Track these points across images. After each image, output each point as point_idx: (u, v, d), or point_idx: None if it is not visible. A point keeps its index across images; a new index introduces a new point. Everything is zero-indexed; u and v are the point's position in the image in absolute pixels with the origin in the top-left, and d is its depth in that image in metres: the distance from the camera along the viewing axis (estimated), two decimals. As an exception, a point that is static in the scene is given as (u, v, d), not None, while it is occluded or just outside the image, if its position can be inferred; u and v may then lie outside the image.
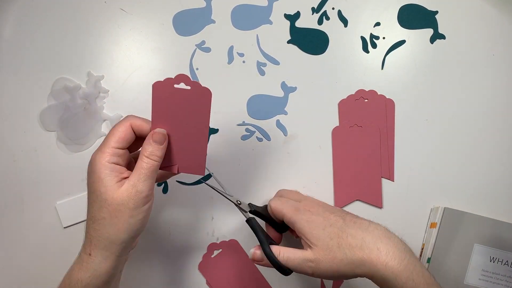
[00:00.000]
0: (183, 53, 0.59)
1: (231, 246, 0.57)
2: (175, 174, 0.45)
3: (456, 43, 0.59)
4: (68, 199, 0.57)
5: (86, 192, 0.57)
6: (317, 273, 0.44)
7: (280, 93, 0.59)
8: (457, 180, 0.58)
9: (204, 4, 0.59)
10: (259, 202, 0.57)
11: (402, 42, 0.59)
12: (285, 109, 0.59)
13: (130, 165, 0.45)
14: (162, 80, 0.40)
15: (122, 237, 0.40)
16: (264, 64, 0.59)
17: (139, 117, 0.43)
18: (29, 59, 0.58)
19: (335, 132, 0.58)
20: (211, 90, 0.40)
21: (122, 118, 0.43)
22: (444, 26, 0.59)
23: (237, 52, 0.59)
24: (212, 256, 0.57)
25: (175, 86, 0.40)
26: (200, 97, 0.40)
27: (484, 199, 0.58)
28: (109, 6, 0.59)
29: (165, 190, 0.58)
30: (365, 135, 0.58)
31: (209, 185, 0.48)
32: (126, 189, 0.40)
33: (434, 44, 0.59)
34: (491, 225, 0.55)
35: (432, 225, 0.56)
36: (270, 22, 0.59)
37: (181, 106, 0.41)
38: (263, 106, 0.59)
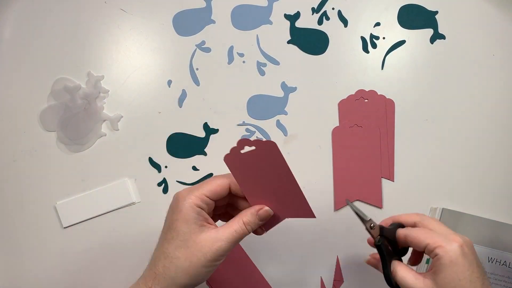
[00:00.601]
0: (183, 53, 0.59)
1: (233, 249, 0.57)
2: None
3: (456, 43, 0.59)
4: (68, 199, 0.57)
5: (86, 192, 0.58)
6: None
7: (280, 93, 0.59)
8: (456, 181, 0.58)
9: (204, 4, 0.59)
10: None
11: (402, 42, 0.59)
12: (285, 109, 0.59)
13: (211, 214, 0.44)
14: (229, 152, 0.40)
15: (186, 282, 0.40)
16: (264, 64, 0.59)
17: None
18: (29, 59, 0.58)
19: (335, 132, 0.58)
20: (275, 142, 0.39)
21: (224, 174, 0.43)
22: (444, 26, 0.59)
23: (237, 52, 0.59)
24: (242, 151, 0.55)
25: (242, 152, 0.40)
26: (269, 151, 0.40)
27: (482, 200, 0.57)
28: (109, 6, 0.59)
29: (165, 190, 0.58)
30: (365, 135, 0.58)
31: (351, 207, 0.46)
32: (211, 239, 0.39)
33: (434, 44, 0.59)
34: (489, 226, 0.55)
35: (432, 225, 0.56)
36: (270, 22, 0.59)
37: (259, 166, 0.41)
38: (263, 106, 0.59)
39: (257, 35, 0.59)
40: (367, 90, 0.59)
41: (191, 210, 0.39)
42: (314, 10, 0.60)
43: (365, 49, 0.59)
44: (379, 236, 0.45)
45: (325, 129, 0.59)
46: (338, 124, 0.59)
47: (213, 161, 0.58)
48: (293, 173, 0.40)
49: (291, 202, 0.42)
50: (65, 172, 0.57)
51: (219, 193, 0.41)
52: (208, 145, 0.59)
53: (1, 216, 0.57)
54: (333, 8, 0.60)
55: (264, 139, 0.38)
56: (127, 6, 0.59)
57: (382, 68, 0.59)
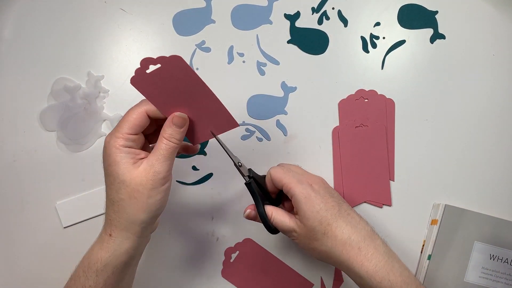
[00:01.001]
0: (183, 53, 0.59)
1: (246, 245, 0.58)
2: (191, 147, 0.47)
3: (456, 43, 0.59)
4: (68, 199, 0.57)
5: (86, 192, 0.58)
6: (296, 242, 0.48)
7: (280, 93, 0.59)
8: (458, 178, 0.58)
9: (204, 4, 0.59)
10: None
11: (402, 42, 0.59)
12: (285, 109, 0.59)
13: (145, 146, 0.45)
14: (133, 74, 0.39)
15: (142, 218, 0.41)
16: (264, 64, 0.59)
17: None
18: (29, 59, 0.58)
19: (335, 132, 0.58)
20: (180, 56, 0.38)
21: (137, 103, 0.43)
22: (444, 26, 0.59)
23: (237, 52, 0.59)
24: (231, 260, 0.57)
25: (147, 71, 0.39)
26: (176, 66, 0.39)
27: (485, 197, 0.58)
28: (109, 6, 0.59)
29: (165, 190, 0.58)
30: (370, 135, 0.58)
31: (217, 139, 0.46)
32: (144, 169, 0.40)
33: (434, 44, 0.59)
34: (491, 223, 0.55)
35: (433, 222, 0.56)
36: (270, 22, 0.59)
37: (169, 83, 0.40)
38: (263, 106, 0.59)
39: (257, 35, 0.59)
40: (367, 90, 0.59)
41: (118, 152, 0.40)
42: (314, 10, 0.60)
43: (365, 49, 0.59)
44: (247, 176, 0.49)
45: (325, 129, 0.59)
46: (338, 124, 0.59)
47: (213, 161, 0.58)
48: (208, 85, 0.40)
49: (212, 114, 0.43)
50: (65, 172, 0.57)
51: (139, 125, 0.41)
52: (208, 145, 0.59)
53: (1, 216, 0.57)
54: (333, 8, 0.60)
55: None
56: (127, 6, 0.59)
57: (382, 68, 0.59)
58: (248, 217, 0.50)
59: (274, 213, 0.48)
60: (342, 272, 0.58)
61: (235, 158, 0.48)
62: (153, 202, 0.41)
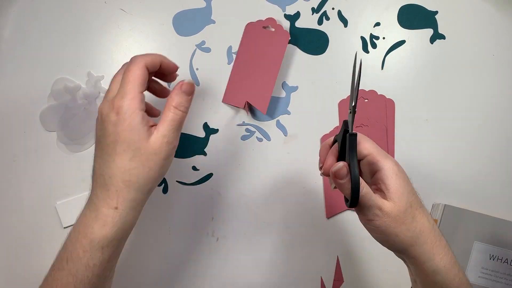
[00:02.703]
0: (183, 53, 0.59)
1: None
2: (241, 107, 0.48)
3: (456, 43, 0.59)
4: (68, 199, 0.57)
5: (86, 192, 0.57)
6: (376, 224, 0.39)
7: (280, 93, 0.59)
8: (458, 178, 0.58)
9: (204, 4, 0.59)
10: (259, 201, 0.57)
11: (402, 42, 0.59)
12: (287, 108, 0.59)
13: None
14: (255, 21, 0.45)
15: (151, 187, 0.40)
16: (264, 64, 0.59)
17: (147, 55, 0.41)
18: (29, 59, 0.58)
19: (335, 132, 0.58)
20: (289, 34, 0.43)
21: (132, 59, 0.40)
22: (444, 26, 0.59)
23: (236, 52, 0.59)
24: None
25: (263, 27, 0.46)
26: (279, 39, 0.45)
27: (484, 197, 0.58)
28: (109, 6, 0.59)
29: (165, 190, 0.58)
30: (367, 135, 0.58)
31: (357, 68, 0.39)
32: (158, 139, 0.39)
33: (434, 44, 0.59)
34: (491, 223, 0.55)
35: (433, 223, 0.56)
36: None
37: (263, 45, 0.45)
38: (268, 107, 0.59)
39: (257, 35, 0.59)
40: (367, 90, 0.59)
41: (136, 116, 0.38)
42: (314, 10, 0.60)
43: (365, 49, 0.59)
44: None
45: (325, 129, 0.59)
46: (338, 124, 0.59)
47: (213, 161, 0.58)
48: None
49: (260, 89, 0.47)
50: (65, 172, 0.57)
51: (145, 81, 0.39)
52: (208, 145, 0.59)
53: (1, 216, 0.57)
54: (333, 8, 0.60)
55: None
56: (127, 6, 0.59)
57: (382, 68, 0.59)
58: (337, 175, 0.38)
59: (364, 184, 0.39)
60: (342, 272, 0.58)
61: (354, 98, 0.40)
62: (164, 171, 0.40)
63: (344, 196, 0.40)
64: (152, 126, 0.40)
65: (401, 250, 0.40)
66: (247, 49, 0.49)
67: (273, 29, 0.48)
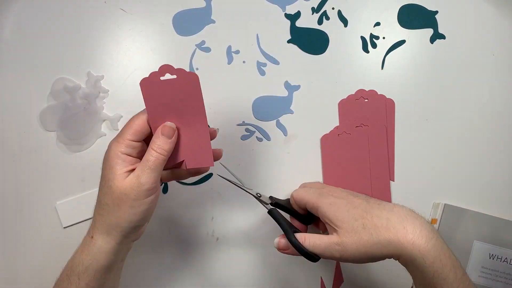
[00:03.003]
0: (183, 53, 0.59)
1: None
2: (185, 170, 0.45)
3: (456, 43, 0.59)
4: (68, 199, 0.57)
5: (86, 192, 0.58)
6: (345, 257, 0.42)
7: (281, 93, 0.59)
8: (458, 178, 0.58)
9: (204, 4, 0.59)
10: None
11: (402, 42, 0.59)
12: (290, 108, 0.59)
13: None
14: (148, 75, 0.40)
15: (122, 226, 0.41)
16: (264, 64, 0.59)
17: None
18: (29, 59, 0.58)
19: (335, 132, 0.58)
20: (197, 74, 0.39)
21: (140, 111, 0.43)
22: (444, 26, 0.59)
23: (236, 52, 0.59)
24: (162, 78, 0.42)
25: (162, 78, 0.40)
26: (189, 84, 0.39)
27: (484, 197, 0.58)
28: (109, 6, 0.59)
29: (165, 190, 0.58)
30: (367, 135, 0.58)
31: (224, 178, 0.47)
32: (130, 179, 0.40)
33: (434, 44, 0.59)
34: (491, 222, 0.55)
35: (433, 221, 0.56)
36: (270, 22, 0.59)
37: (173, 97, 0.40)
38: (269, 107, 0.59)
39: (257, 35, 0.59)
40: (367, 90, 0.59)
41: (116, 157, 0.41)
42: (314, 10, 0.60)
43: (365, 49, 0.59)
44: (270, 204, 0.48)
45: (325, 129, 0.58)
46: (338, 124, 0.59)
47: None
48: (207, 124, 0.40)
49: (195, 143, 0.42)
50: (65, 172, 0.57)
51: (140, 131, 0.42)
52: (208, 145, 0.58)
53: (1, 216, 0.57)
54: (333, 8, 0.60)
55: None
56: (127, 6, 0.59)
57: (382, 68, 0.59)
58: (280, 248, 0.46)
59: (307, 236, 0.45)
60: (342, 271, 0.58)
61: (251, 190, 0.48)
62: (135, 212, 0.41)
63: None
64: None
65: (382, 256, 0.42)
66: (155, 109, 0.41)
67: (174, 76, 0.39)
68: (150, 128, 0.43)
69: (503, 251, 0.55)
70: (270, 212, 0.47)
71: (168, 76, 0.40)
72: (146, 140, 0.43)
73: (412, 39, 0.59)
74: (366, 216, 0.43)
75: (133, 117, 0.43)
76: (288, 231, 0.45)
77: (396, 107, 0.59)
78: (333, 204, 0.45)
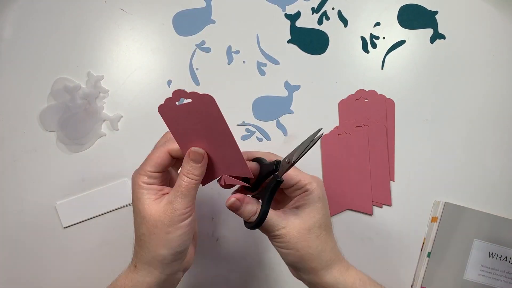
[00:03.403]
0: (183, 53, 0.59)
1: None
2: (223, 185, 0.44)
3: (456, 43, 0.59)
4: (68, 199, 0.57)
5: (86, 192, 0.58)
6: (281, 241, 0.43)
7: (281, 93, 0.59)
8: (458, 176, 0.58)
9: (204, 4, 0.59)
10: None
11: (402, 42, 0.59)
12: (290, 108, 0.59)
13: (172, 181, 0.45)
14: (163, 102, 0.39)
15: (162, 253, 0.40)
16: (264, 64, 0.59)
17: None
18: (29, 59, 0.58)
19: (335, 131, 0.58)
20: (211, 95, 0.39)
21: (162, 143, 0.43)
22: (444, 26, 0.59)
23: (236, 52, 0.59)
24: (178, 103, 0.41)
25: (177, 103, 0.39)
26: (205, 105, 0.39)
27: (484, 195, 0.58)
28: (109, 6, 0.59)
29: (165, 190, 0.58)
30: (367, 135, 0.58)
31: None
32: (163, 205, 0.40)
33: (434, 44, 0.59)
34: (491, 221, 0.55)
35: (433, 219, 0.56)
36: (270, 22, 0.59)
37: (194, 120, 0.40)
38: (269, 107, 0.59)
39: (257, 35, 0.59)
40: (367, 90, 0.59)
41: (140, 189, 0.41)
42: (314, 10, 0.60)
43: (365, 49, 0.59)
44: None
45: (325, 129, 0.58)
46: (338, 124, 0.59)
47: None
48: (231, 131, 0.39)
49: (228, 158, 0.42)
50: (65, 172, 0.57)
51: (161, 163, 0.42)
52: (208, 145, 0.58)
53: (1, 216, 0.57)
54: (333, 8, 0.60)
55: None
56: (127, 6, 0.59)
57: (382, 68, 0.59)
58: (233, 206, 0.43)
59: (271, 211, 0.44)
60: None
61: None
62: (172, 238, 0.40)
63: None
64: (166, 194, 0.42)
65: (303, 264, 0.43)
66: (180, 133, 0.41)
67: (189, 100, 0.39)
68: (175, 157, 0.42)
69: (503, 250, 0.55)
70: (280, 182, 0.43)
71: (183, 100, 0.39)
72: (177, 163, 0.43)
73: (412, 39, 0.59)
74: (327, 230, 0.44)
75: (154, 149, 0.43)
76: (268, 204, 0.43)
77: (396, 107, 0.59)
78: (321, 200, 0.44)
